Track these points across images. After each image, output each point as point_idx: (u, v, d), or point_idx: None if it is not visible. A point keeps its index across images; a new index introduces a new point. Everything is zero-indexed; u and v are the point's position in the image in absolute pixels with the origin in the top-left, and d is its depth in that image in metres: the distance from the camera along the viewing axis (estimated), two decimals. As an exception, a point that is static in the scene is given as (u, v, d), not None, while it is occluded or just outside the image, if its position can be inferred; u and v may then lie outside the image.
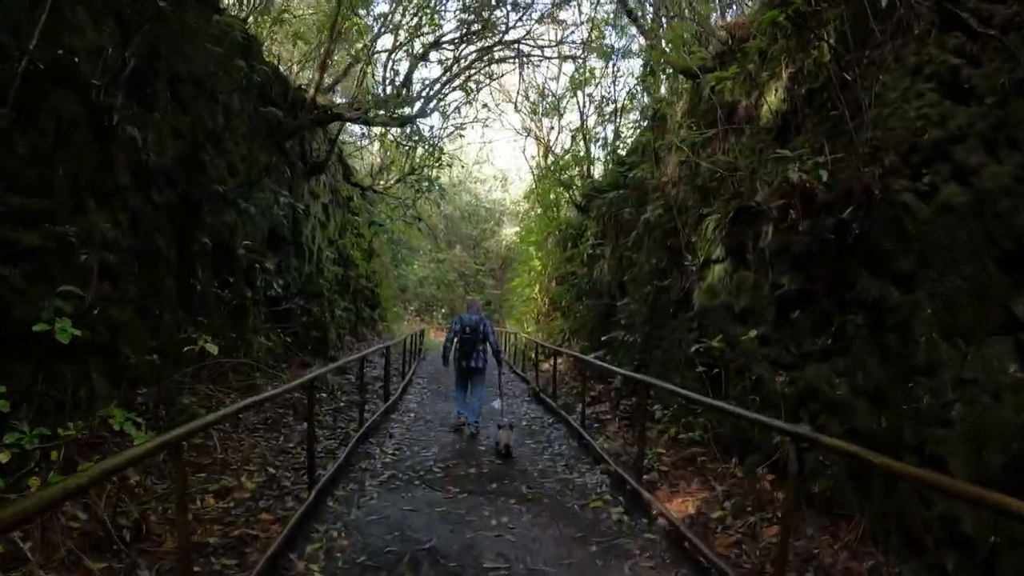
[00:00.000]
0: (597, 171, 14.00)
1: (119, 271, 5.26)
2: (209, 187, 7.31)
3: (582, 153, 13.59)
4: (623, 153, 11.60)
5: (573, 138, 14.44)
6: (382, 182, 17.96)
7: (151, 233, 6.29)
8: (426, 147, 13.97)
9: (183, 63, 6.76)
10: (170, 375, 5.95)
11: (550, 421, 8.21)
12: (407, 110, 11.41)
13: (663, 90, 8.74)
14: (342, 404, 8.44)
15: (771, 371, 5.08)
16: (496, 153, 57.36)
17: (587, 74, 12.05)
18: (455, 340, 7.18)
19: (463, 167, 37.87)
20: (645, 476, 5.13)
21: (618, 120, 12.19)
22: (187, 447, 4.77)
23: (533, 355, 13.76)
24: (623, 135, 11.86)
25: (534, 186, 18.41)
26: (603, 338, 8.14)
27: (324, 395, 8.60)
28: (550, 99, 17.26)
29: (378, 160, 18.99)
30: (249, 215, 8.41)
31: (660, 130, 8.67)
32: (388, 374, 8.78)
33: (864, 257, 4.08)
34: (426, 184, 15.47)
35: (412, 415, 8.61)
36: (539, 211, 18.42)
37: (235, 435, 5.88)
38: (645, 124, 9.64)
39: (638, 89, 11.25)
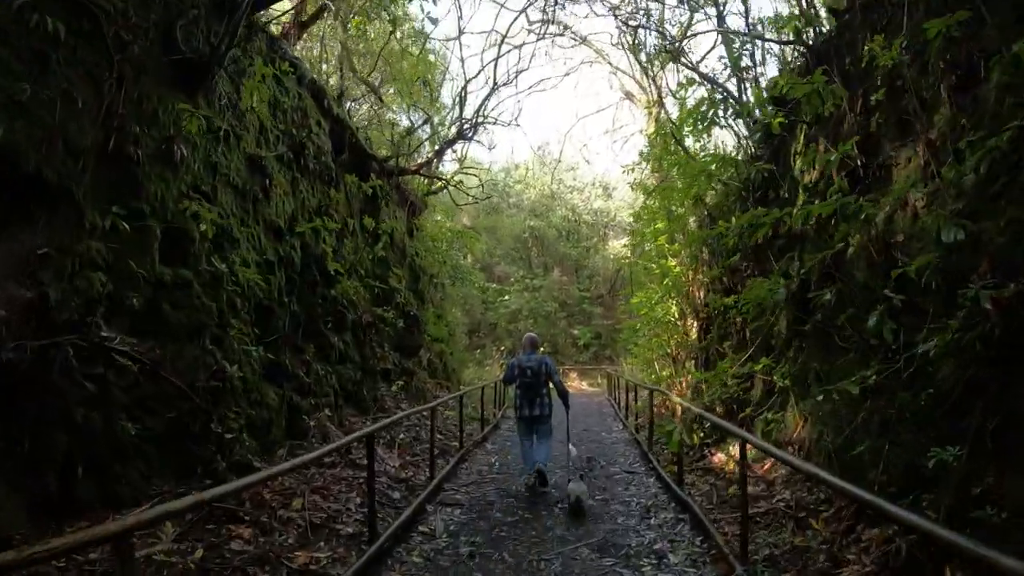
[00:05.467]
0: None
1: None
2: None
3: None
4: None
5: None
6: (407, 156, 11.83)
7: None
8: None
9: None
10: None
11: None
12: None
13: None
14: None
15: None
16: (591, 150, 49.67)
17: None
18: (515, 388, 6.42)
19: (549, 171, 31.13)
20: None
21: None
22: None
23: (697, 434, 6.47)
24: None
25: (648, 143, 11.29)
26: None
27: None
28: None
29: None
30: None
31: None
32: None
33: None
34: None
35: None
36: (653, 201, 11.09)
37: None
38: None
39: None
